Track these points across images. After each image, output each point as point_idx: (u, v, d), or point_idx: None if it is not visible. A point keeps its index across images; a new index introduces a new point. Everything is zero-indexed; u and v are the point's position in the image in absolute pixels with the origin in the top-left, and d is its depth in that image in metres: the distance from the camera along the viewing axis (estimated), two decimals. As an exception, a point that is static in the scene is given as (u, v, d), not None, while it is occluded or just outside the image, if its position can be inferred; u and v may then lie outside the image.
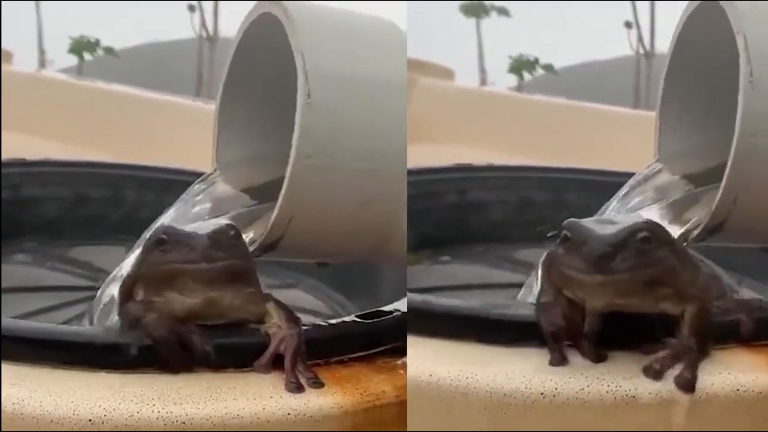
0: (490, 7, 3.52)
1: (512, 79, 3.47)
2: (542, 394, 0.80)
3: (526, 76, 3.48)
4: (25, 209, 1.55)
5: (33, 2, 3.31)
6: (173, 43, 3.90)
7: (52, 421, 0.77)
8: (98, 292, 1.01)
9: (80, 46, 3.41)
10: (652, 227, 0.82)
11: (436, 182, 1.54)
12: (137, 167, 1.64)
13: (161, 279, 0.85)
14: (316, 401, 0.84)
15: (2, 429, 0.76)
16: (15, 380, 0.80)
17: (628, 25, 3.27)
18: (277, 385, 0.84)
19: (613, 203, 1.04)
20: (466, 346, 0.86)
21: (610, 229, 0.80)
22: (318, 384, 0.85)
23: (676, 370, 0.82)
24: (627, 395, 0.80)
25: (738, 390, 0.82)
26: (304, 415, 0.83)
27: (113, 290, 0.95)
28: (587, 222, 0.82)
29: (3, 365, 0.80)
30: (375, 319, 0.97)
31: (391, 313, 0.98)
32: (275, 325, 0.87)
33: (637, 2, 3.23)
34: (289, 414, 0.82)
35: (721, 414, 0.82)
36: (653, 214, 0.96)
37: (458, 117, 2.85)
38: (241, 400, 0.82)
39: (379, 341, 0.94)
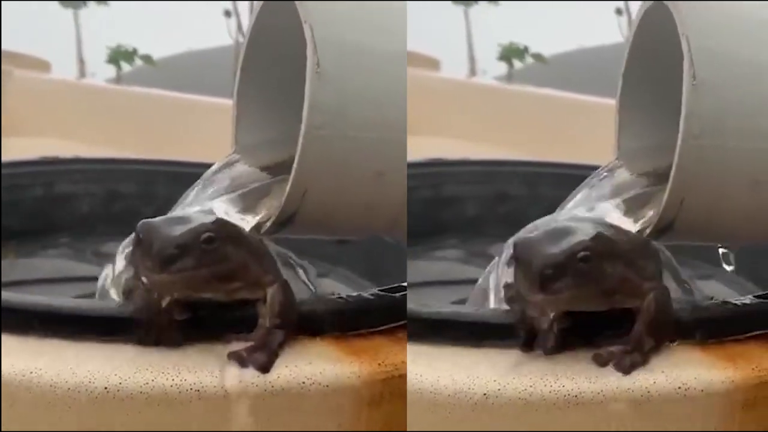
0: (479, -7, 3.44)
1: (502, 67, 3.41)
2: (106, 388, 0.80)
3: (517, 64, 3.43)
4: (59, 206, 1.58)
5: (71, 13, 3.37)
6: (211, 50, 3.94)
7: (68, 389, 0.79)
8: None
9: (118, 56, 3.46)
10: (592, 245, 0.84)
11: (409, 177, 1.53)
12: (167, 162, 1.67)
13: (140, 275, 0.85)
14: (332, 370, 0.85)
15: (19, 397, 0.78)
16: (35, 352, 0.82)
17: (618, 12, 3.22)
18: (289, 355, 0.84)
19: (570, 202, 1.03)
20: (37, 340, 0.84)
21: (552, 249, 0.83)
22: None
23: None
24: (192, 389, 0.81)
25: (304, 383, 0.83)
26: (320, 384, 0.84)
27: None
28: (533, 237, 0.85)
29: (22, 338, 0.82)
30: (395, 294, 0.97)
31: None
32: (266, 314, 0.87)
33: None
34: (303, 382, 0.83)
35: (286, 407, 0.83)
36: (609, 211, 0.97)
37: (442, 109, 2.80)
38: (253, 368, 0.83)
39: (398, 315, 0.95)
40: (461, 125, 2.71)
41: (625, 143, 1.06)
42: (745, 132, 0.87)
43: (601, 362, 0.85)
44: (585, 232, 0.85)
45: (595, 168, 1.07)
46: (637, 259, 0.88)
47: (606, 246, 0.85)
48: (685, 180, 0.87)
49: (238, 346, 0.84)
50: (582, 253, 0.83)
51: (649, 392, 0.83)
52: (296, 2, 0.90)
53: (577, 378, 0.84)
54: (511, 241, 0.95)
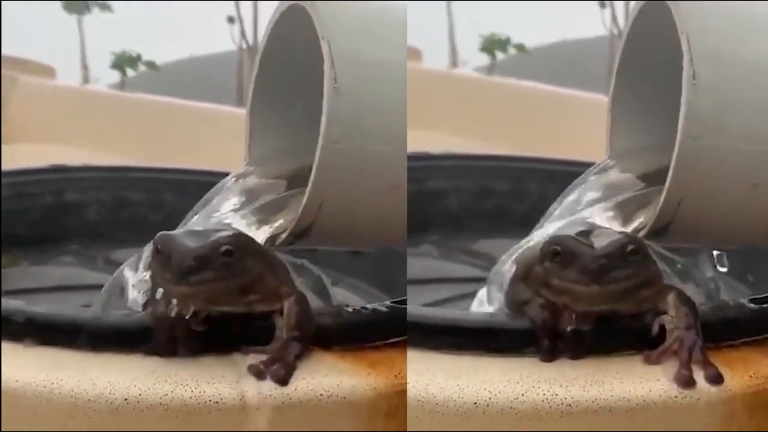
0: (461, -16, 3.41)
1: (483, 59, 3.39)
2: (126, 399, 0.80)
3: (499, 55, 3.42)
4: (68, 213, 1.59)
5: (75, 18, 3.37)
6: (214, 56, 3.95)
7: (89, 399, 0.80)
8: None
9: (122, 61, 3.47)
10: (638, 239, 0.86)
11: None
12: (175, 170, 1.67)
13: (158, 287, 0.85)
14: (349, 382, 0.85)
15: (41, 407, 0.78)
16: (56, 363, 0.83)
17: (602, 5, 3.23)
18: (306, 368, 0.85)
19: (566, 199, 1.02)
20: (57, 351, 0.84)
21: (600, 242, 0.84)
22: None
23: (671, 367, 0.83)
24: (211, 400, 0.81)
25: (321, 395, 0.82)
26: (337, 396, 0.84)
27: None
28: (571, 235, 0.86)
29: (44, 349, 0.83)
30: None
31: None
32: (283, 326, 0.86)
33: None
34: (321, 395, 0.83)
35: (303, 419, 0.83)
36: (602, 213, 0.97)
37: (424, 100, 2.75)
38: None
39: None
40: (443, 117, 2.66)
41: (618, 142, 1.05)
42: (745, 134, 0.86)
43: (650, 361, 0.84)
44: (622, 232, 0.88)
45: (582, 164, 1.06)
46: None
47: (644, 243, 0.87)
48: (683, 181, 0.86)
49: (255, 358, 0.84)
50: (630, 246, 0.84)
51: (645, 401, 0.82)
52: (314, 17, 0.90)
53: (570, 386, 0.82)
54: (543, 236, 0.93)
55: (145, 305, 0.89)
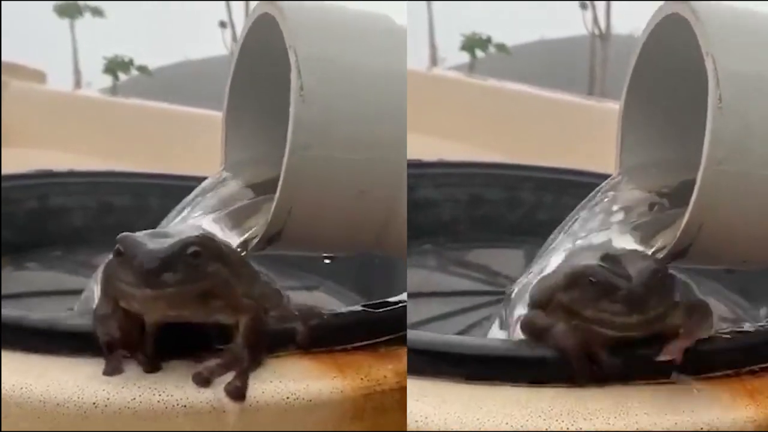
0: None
1: (464, 57, 3.45)
2: (94, 403, 0.81)
3: (479, 54, 3.47)
4: (53, 219, 1.60)
5: (67, 23, 3.39)
6: (206, 60, 3.97)
7: (57, 404, 0.81)
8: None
9: (114, 66, 3.48)
10: (663, 263, 0.85)
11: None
12: (161, 176, 1.68)
13: (116, 291, 0.83)
14: (316, 385, 0.86)
15: (10, 412, 0.80)
16: (25, 368, 0.84)
17: (583, 6, 3.27)
18: (273, 371, 0.86)
19: (576, 220, 1.00)
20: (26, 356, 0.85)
21: (632, 270, 0.83)
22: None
23: (227, 378, 0.83)
24: (179, 404, 0.81)
25: (288, 398, 0.83)
26: (303, 399, 0.85)
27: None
28: (140, 235, 0.83)
29: (12, 354, 0.84)
30: (379, 309, 0.99)
31: (396, 303, 1.00)
32: (235, 345, 0.85)
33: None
34: (287, 398, 0.85)
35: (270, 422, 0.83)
36: (620, 236, 0.95)
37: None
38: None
39: (382, 330, 0.96)
40: (422, 118, 2.66)
41: (628, 159, 1.02)
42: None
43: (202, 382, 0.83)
44: (644, 255, 0.88)
45: (576, 172, 1.04)
46: (242, 271, 0.89)
47: (215, 246, 0.86)
48: (705, 206, 0.84)
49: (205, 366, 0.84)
50: (661, 273, 0.84)
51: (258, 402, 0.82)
52: (281, 25, 0.91)
53: (593, 418, 0.79)
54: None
55: (100, 320, 0.85)
